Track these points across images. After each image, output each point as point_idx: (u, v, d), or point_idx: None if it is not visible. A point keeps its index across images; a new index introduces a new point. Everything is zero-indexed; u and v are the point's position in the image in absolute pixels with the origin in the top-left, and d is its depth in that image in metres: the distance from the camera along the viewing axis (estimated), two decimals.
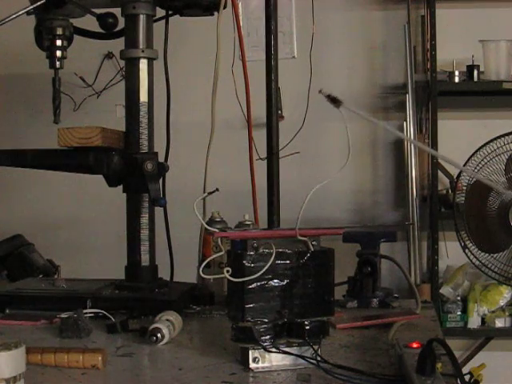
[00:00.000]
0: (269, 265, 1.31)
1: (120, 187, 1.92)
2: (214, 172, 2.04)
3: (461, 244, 2.90)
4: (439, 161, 3.21)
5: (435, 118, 3.21)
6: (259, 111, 2.15)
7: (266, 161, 2.12)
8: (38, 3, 1.89)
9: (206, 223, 1.81)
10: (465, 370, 3.07)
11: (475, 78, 3.18)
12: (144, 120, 1.92)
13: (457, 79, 3.22)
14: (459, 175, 2.94)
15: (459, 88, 3.25)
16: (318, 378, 1.27)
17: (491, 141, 2.84)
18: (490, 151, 2.84)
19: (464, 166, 2.89)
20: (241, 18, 2.53)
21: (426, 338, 1.25)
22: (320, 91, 1.27)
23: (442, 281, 3.24)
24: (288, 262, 1.33)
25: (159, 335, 1.49)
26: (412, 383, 1.17)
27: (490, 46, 3.13)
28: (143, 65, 1.92)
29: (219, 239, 1.38)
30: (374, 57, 3.45)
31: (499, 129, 2.90)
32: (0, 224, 3.17)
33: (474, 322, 3.11)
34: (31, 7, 1.90)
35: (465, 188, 2.89)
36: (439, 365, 1.25)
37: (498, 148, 2.83)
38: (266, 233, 1.36)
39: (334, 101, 1.27)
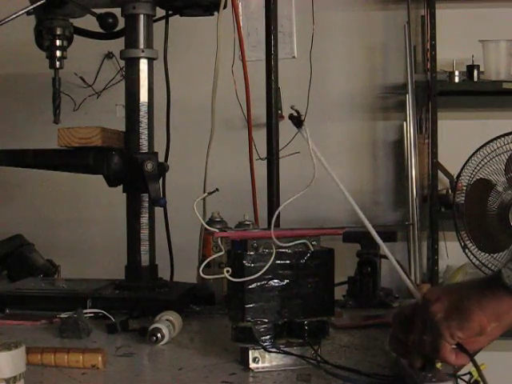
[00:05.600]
0: (269, 265, 1.31)
1: (120, 187, 1.92)
2: (214, 172, 2.04)
3: (461, 244, 2.90)
4: (439, 161, 3.22)
5: (435, 118, 3.21)
6: (259, 111, 2.15)
7: (266, 161, 2.12)
8: (38, 3, 1.88)
9: (206, 223, 1.81)
10: (465, 370, 3.07)
11: (475, 78, 3.18)
12: (144, 120, 1.92)
13: (457, 79, 3.22)
14: (459, 175, 2.95)
15: (459, 88, 3.25)
16: (318, 378, 1.27)
17: (491, 141, 2.84)
18: (490, 151, 2.84)
19: (464, 166, 2.90)
20: (241, 18, 2.53)
21: None
22: (292, 107, 1.27)
23: (442, 281, 3.24)
24: (288, 261, 1.33)
25: (159, 335, 1.49)
26: (412, 380, 1.16)
27: (489, 46, 3.13)
28: (143, 65, 1.92)
29: (219, 239, 1.38)
30: (374, 57, 3.45)
31: (499, 129, 2.90)
32: (0, 224, 3.17)
33: None
34: (31, 7, 1.90)
35: (465, 188, 2.89)
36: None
37: (497, 148, 2.83)
38: (266, 233, 1.36)
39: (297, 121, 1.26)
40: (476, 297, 1.11)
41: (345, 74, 3.43)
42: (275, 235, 1.33)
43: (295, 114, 1.24)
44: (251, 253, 1.31)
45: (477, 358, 2.91)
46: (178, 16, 2.05)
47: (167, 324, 1.53)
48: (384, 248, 1.25)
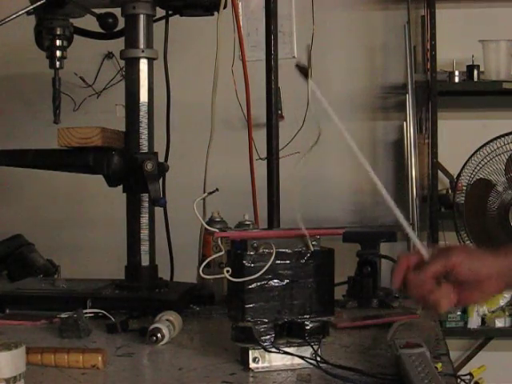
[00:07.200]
0: (269, 265, 1.31)
1: (120, 187, 1.92)
2: (213, 172, 2.04)
3: (461, 244, 2.90)
4: (439, 161, 3.22)
5: (435, 118, 3.21)
6: (259, 111, 2.15)
7: (266, 161, 2.11)
8: (38, 3, 1.88)
9: (206, 223, 1.81)
10: (465, 370, 3.07)
11: (475, 78, 3.18)
12: (144, 120, 1.92)
13: (457, 79, 3.22)
14: (459, 175, 2.95)
15: (459, 88, 3.25)
16: (318, 378, 1.27)
17: (491, 141, 2.85)
18: (489, 151, 2.84)
19: (464, 166, 2.90)
20: (241, 18, 2.53)
21: (426, 338, 1.25)
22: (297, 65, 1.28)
23: None
24: (288, 262, 1.33)
25: (159, 335, 1.49)
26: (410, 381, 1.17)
27: (490, 46, 3.13)
28: (143, 65, 1.92)
29: (219, 239, 1.38)
30: (374, 57, 3.45)
31: (499, 129, 2.90)
32: (0, 224, 3.17)
33: (473, 322, 3.11)
34: (31, 7, 1.90)
35: (465, 188, 2.90)
36: (439, 364, 1.25)
37: (497, 148, 2.83)
38: (266, 233, 1.36)
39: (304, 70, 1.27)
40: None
41: (345, 74, 3.43)
42: (275, 235, 1.33)
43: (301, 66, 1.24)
44: (251, 253, 1.31)
45: (477, 358, 2.93)
46: (178, 16, 2.05)
47: (167, 324, 1.52)
48: (400, 218, 1.32)
